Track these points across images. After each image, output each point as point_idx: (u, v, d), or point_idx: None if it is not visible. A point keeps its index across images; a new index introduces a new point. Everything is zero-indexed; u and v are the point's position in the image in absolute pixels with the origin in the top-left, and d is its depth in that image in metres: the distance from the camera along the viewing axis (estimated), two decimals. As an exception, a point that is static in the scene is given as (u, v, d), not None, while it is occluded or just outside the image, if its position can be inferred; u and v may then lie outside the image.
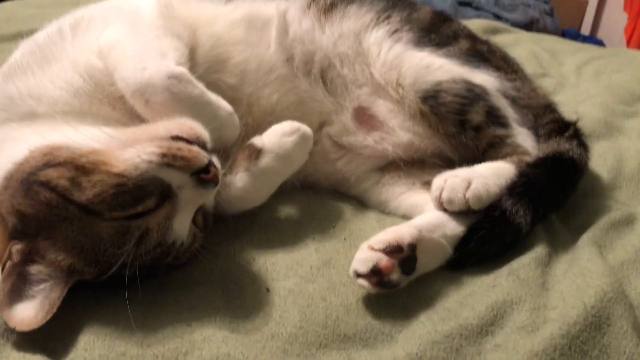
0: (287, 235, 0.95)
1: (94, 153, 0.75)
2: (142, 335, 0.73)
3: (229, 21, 1.05)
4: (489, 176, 0.91)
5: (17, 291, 0.72)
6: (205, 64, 0.99)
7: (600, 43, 3.81)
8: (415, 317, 0.79)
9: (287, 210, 1.02)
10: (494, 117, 1.01)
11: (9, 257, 0.72)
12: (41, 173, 0.73)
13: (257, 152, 0.91)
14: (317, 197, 1.07)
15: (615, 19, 3.81)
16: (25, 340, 0.70)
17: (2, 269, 0.73)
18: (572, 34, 3.91)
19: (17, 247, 0.73)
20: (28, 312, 0.70)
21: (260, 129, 0.96)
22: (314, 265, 0.88)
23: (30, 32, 1.67)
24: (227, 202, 0.91)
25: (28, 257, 0.73)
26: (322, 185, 1.10)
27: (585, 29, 4.09)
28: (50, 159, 0.74)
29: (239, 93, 1.02)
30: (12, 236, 0.74)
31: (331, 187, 1.11)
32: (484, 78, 1.05)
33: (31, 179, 0.73)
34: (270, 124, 0.95)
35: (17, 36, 1.63)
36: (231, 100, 0.92)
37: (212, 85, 0.92)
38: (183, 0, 1.05)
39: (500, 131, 1.01)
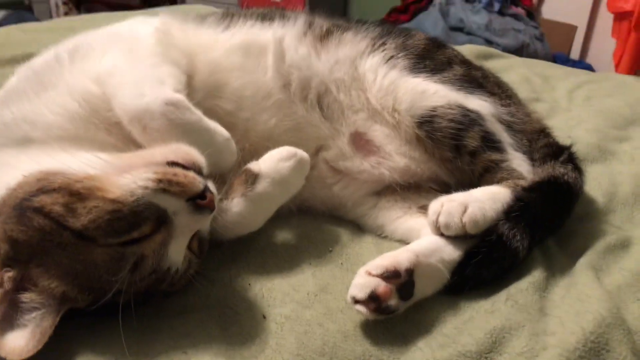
0: (283, 260, 0.95)
1: (89, 179, 0.74)
2: (136, 363, 0.72)
3: (226, 48, 1.05)
4: (485, 200, 0.92)
5: (9, 319, 0.71)
6: (202, 90, 1.00)
7: (589, 67, 3.87)
8: (414, 343, 0.78)
9: (284, 235, 1.01)
10: (490, 142, 1.02)
11: (1, 284, 0.71)
12: (35, 199, 0.72)
13: (254, 177, 0.91)
14: (313, 221, 1.06)
15: (604, 44, 3.88)
16: (17, 369, 0.69)
17: None
18: (562, 58, 3.97)
19: (8, 275, 0.72)
20: (19, 341, 0.69)
21: (257, 154, 0.96)
22: (311, 291, 0.87)
23: (25, 57, 1.67)
24: (223, 228, 0.90)
25: (20, 285, 0.72)
26: (318, 209, 1.10)
27: (575, 54, 4.15)
28: (45, 185, 0.74)
29: (236, 118, 1.03)
30: (3, 263, 0.73)
31: (328, 212, 1.11)
32: (479, 103, 1.06)
33: (24, 204, 0.72)
34: (267, 149, 0.95)
35: (13, 61, 1.65)
36: (228, 126, 0.92)
37: (210, 111, 0.92)
38: (181, 27, 1.06)
39: (495, 156, 1.02)
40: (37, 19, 4.41)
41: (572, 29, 4.12)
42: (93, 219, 0.71)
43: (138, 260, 0.73)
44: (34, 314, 0.71)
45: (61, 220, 0.71)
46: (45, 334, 0.70)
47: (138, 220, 0.73)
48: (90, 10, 4.81)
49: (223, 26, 1.10)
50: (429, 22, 3.96)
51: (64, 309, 0.72)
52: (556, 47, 4.08)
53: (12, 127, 0.86)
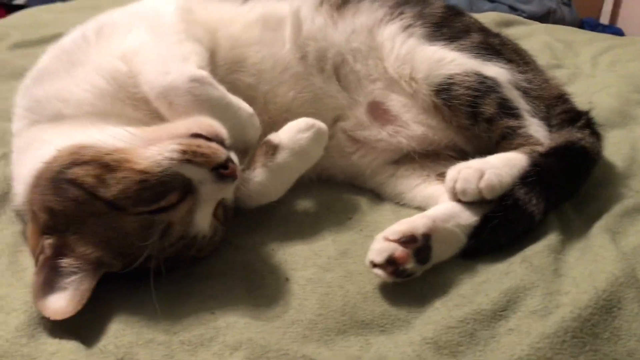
0: (304, 228, 0.98)
1: (118, 151, 0.78)
2: (168, 323, 0.77)
3: (245, 22, 1.07)
4: (501, 166, 0.93)
5: (50, 283, 0.75)
6: (224, 65, 1.02)
7: (619, 32, 3.77)
8: (431, 303, 0.81)
9: (304, 204, 1.04)
10: (506, 109, 1.03)
11: (42, 251, 0.76)
12: (69, 171, 0.77)
13: (274, 149, 0.94)
14: (333, 190, 1.09)
15: (635, 7, 3.76)
16: (59, 328, 0.74)
17: (36, 263, 0.77)
18: (591, 23, 3.87)
19: (48, 242, 0.76)
20: (60, 303, 0.74)
21: (276, 125, 0.99)
22: (331, 255, 0.90)
23: (53, 37, 1.73)
24: (246, 197, 0.94)
25: (59, 251, 0.77)
26: (338, 178, 1.13)
27: (605, 18, 4.04)
28: (77, 158, 0.78)
29: (256, 92, 1.05)
30: (43, 231, 0.78)
31: (347, 181, 1.13)
32: (496, 70, 1.07)
33: (59, 177, 0.77)
34: (286, 120, 0.98)
35: (41, 41, 1.70)
36: (248, 99, 0.95)
37: (230, 85, 0.95)
38: (202, 3, 1.08)
39: (512, 122, 1.02)
40: (61, 0, 4.46)
41: (601, -8, 4.01)
42: (123, 189, 0.75)
43: (166, 227, 0.77)
44: (72, 278, 0.76)
45: (93, 190, 0.75)
46: (84, 296, 0.75)
47: (165, 189, 0.76)
48: (113, -12, 4.83)
49: (241, 0, 1.12)
50: (452, -10, 3.90)
51: (100, 273, 0.77)
52: (585, 12, 3.97)
53: (45, 104, 0.90)
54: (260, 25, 1.08)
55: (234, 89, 0.95)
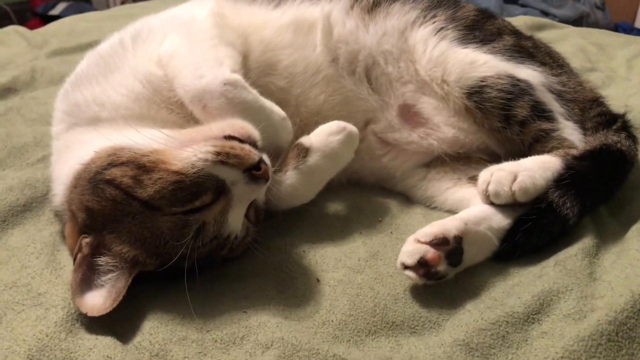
0: (335, 230, 0.99)
1: (154, 152, 0.80)
2: (201, 321, 0.78)
3: (277, 26, 1.09)
4: (535, 169, 0.92)
5: (88, 281, 0.78)
6: (257, 68, 1.04)
7: (655, 36, 3.68)
8: (462, 306, 0.81)
9: (335, 206, 1.05)
10: (540, 112, 1.02)
11: (80, 249, 0.78)
12: (106, 172, 0.79)
13: (305, 151, 0.95)
14: (363, 193, 1.10)
15: (672, 11, 3.67)
16: (96, 324, 0.76)
17: (74, 261, 0.79)
18: (625, 27, 3.80)
19: (86, 241, 0.79)
20: (97, 300, 0.76)
21: (307, 128, 1.00)
22: (362, 257, 0.91)
23: (89, 44, 1.78)
24: (277, 199, 0.95)
25: (96, 250, 0.79)
26: (368, 181, 1.13)
27: (640, 22, 3.95)
28: (114, 159, 0.80)
29: (288, 95, 1.06)
30: (81, 231, 0.80)
31: (377, 183, 1.14)
32: (529, 73, 1.06)
33: (97, 177, 0.79)
34: (317, 123, 0.99)
35: (78, 49, 1.75)
36: (281, 102, 0.97)
37: (263, 88, 0.97)
38: (234, 8, 1.10)
39: (545, 125, 1.01)
40: (95, 9, 4.58)
41: (636, -5, 3.92)
42: (158, 190, 0.76)
43: (200, 227, 0.78)
44: (109, 276, 0.78)
45: (130, 190, 0.77)
46: (120, 294, 0.77)
47: (199, 190, 0.78)
48: (145, -2, 4.94)
49: (273, 4, 1.14)
50: (483, -6, 3.86)
51: (135, 272, 0.79)
52: (619, 16, 3.89)
53: (83, 107, 0.93)
54: (292, 29, 1.09)
55: (266, 92, 0.96)
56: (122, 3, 5.16)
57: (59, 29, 2.00)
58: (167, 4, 2.37)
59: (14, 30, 1.92)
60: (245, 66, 1.01)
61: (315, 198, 0.99)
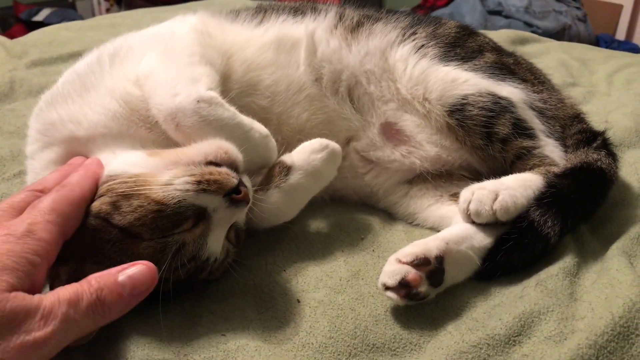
0: (316, 248, 0.98)
1: (133, 179, 0.78)
2: (178, 344, 0.77)
3: (259, 44, 1.08)
4: (516, 188, 0.92)
5: None
6: (238, 88, 1.02)
7: (636, 48, 3.75)
8: (443, 327, 0.81)
9: (317, 224, 1.04)
10: (521, 129, 1.02)
11: (57, 276, 0.76)
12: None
13: (287, 169, 0.94)
14: (346, 210, 1.09)
15: (651, 23, 3.74)
16: (74, 349, 0.74)
17: (51, 288, 0.77)
18: (606, 39, 3.86)
19: (64, 269, 0.77)
20: None
21: (289, 146, 0.99)
22: (343, 277, 0.90)
23: (71, 55, 1.75)
24: (258, 217, 0.94)
25: (73, 277, 0.77)
26: (350, 198, 1.13)
27: (620, 34, 4.02)
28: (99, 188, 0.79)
29: (270, 114, 1.06)
30: (59, 258, 0.78)
31: (360, 200, 1.13)
32: (510, 90, 1.06)
33: None
34: (299, 141, 0.98)
35: (59, 59, 1.73)
36: (263, 121, 0.95)
37: (245, 108, 0.95)
38: (218, 25, 1.09)
39: (527, 142, 1.02)
40: (80, 16, 4.55)
41: (618, 8, 4.00)
42: (138, 217, 0.75)
43: (179, 247, 0.77)
44: None
45: (109, 218, 0.76)
46: None
47: (180, 219, 0.76)
48: (130, 5, 4.93)
49: (256, 22, 1.13)
50: (467, 6, 3.90)
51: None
52: (600, 28, 3.96)
53: (58, 126, 0.91)
54: (274, 47, 1.09)
55: (248, 111, 0.95)
56: (107, 10, 5.14)
57: (39, 38, 1.97)
58: (151, 13, 2.36)
59: (-7, 40, 1.89)
60: (226, 86, 0.99)
61: (296, 216, 0.98)
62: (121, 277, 0.69)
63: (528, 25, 3.67)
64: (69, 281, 0.75)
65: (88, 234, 0.76)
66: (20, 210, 0.73)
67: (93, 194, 0.79)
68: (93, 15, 4.91)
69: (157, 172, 0.80)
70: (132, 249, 0.76)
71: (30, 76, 1.59)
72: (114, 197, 0.76)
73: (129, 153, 0.84)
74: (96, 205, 0.77)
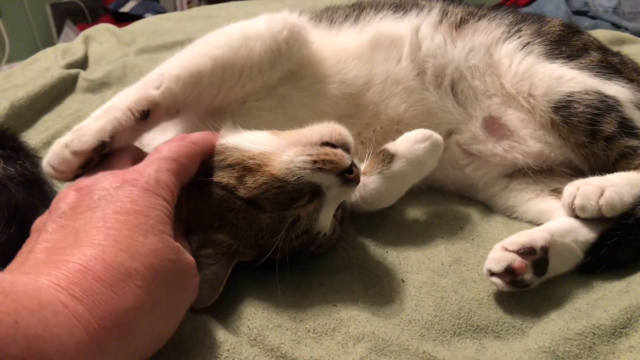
0: (416, 234, 1.02)
1: (259, 156, 0.85)
2: (294, 311, 0.83)
3: (356, 44, 1.13)
4: (622, 185, 0.93)
5: None
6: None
7: None
8: (546, 315, 0.83)
9: (415, 211, 1.08)
10: (627, 128, 1.02)
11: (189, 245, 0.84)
12: (214, 174, 0.85)
13: (390, 157, 0.98)
14: (443, 200, 1.13)
15: None
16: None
17: None
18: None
19: (194, 237, 0.84)
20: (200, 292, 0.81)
21: (387, 135, 1.03)
22: (445, 261, 0.94)
23: (173, 44, 1.86)
24: (361, 201, 0.99)
25: (202, 244, 0.85)
26: (448, 189, 1.16)
27: None
28: (222, 160, 0.86)
29: (367, 102, 1.10)
30: (189, 230, 0.85)
31: (457, 191, 1.16)
32: (617, 89, 1.06)
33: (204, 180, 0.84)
34: (397, 131, 1.02)
35: (163, 47, 1.84)
36: (358, 109, 1.00)
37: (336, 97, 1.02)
38: (314, 30, 1.12)
39: (633, 142, 1.02)
40: (162, 7, 4.75)
41: None
42: (262, 192, 0.82)
43: (294, 221, 0.83)
44: (212, 268, 0.83)
45: (234, 190, 0.83)
46: (221, 285, 0.82)
47: (298, 195, 0.83)
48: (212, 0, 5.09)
49: (352, 20, 1.17)
50: (550, 6, 3.79)
51: (234, 262, 0.84)
52: (694, 31, 3.75)
53: None
54: (371, 46, 1.12)
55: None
56: (188, 4, 5.33)
57: (144, 27, 2.10)
58: (244, 7, 2.45)
59: (105, 28, 2.03)
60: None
61: (395, 203, 1.03)
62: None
63: (616, 27, 3.53)
64: (198, 249, 0.83)
65: (214, 204, 0.83)
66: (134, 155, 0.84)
67: (208, 154, 0.86)
68: (175, 7, 5.09)
69: (279, 151, 0.86)
70: (254, 218, 0.82)
71: (140, 62, 1.70)
72: (240, 171, 0.83)
73: (254, 132, 0.91)
74: (224, 178, 0.84)
